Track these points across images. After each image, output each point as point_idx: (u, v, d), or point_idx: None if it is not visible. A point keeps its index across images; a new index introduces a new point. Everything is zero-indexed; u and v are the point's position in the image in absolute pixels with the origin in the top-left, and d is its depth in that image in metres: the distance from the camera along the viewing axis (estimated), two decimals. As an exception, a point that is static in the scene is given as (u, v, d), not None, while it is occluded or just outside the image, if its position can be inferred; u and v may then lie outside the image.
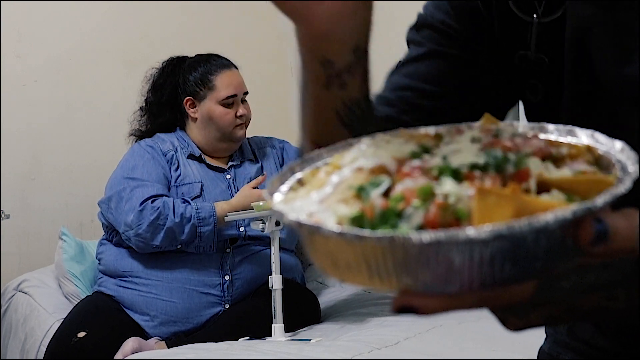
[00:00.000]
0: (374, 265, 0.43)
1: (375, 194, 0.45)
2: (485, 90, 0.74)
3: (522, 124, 0.53)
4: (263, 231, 2.13)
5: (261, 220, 2.14)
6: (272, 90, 3.86)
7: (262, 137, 2.75)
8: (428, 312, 0.45)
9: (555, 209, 0.42)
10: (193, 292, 2.28)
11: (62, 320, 2.32)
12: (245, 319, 2.21)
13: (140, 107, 2.62)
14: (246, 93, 2.57)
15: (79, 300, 2.46)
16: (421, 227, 0.43)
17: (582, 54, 0.67)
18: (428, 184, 0.44)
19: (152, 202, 2.27)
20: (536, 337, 1.73)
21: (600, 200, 0.43)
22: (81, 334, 2.15)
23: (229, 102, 2.49)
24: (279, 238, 2.24)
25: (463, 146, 0.48)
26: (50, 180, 2.99)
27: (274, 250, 2.13)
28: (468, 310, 0.46)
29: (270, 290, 2.12)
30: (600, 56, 0.65)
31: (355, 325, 2.08)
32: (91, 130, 3.07)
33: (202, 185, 2.39)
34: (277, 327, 2.04)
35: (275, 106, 3.89)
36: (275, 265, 2.11)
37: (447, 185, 0.44)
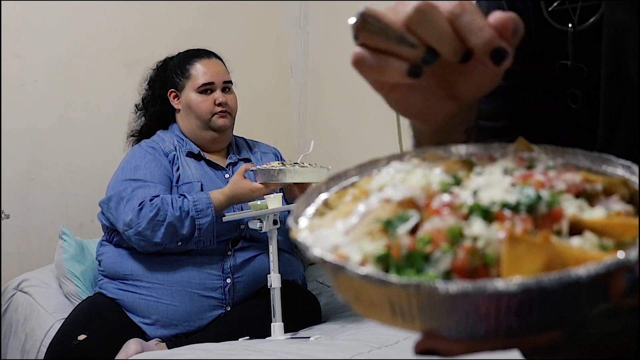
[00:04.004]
0: (398, 307, 0.43)
1: (403, 231, 0.44)
2: (534, 105, 0.74)
3: (553, 149, 0.52)
4: (261, 230, 2.13)
5: (259, 219, 2.14)
6: (272, 90, 3.86)
7: (253, 140, 2.77)
8: (451, 355, 0.44)
9: (587, 263, 0.41)
10: (194, 295, 2.28)
11: (63, 321, 2.31)
12: (246, 319, 2.21)
13: (136, 105, 2.66)
14: (228, 82, 2.57)
15: (79, 300, 2.46)
16: (448, 272, 0.42)
17: (619, 60, 0.66)
18: (457, 225, 0.43)
19: (151, 200, 2.27)
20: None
21: (634, 254, 0.41)
22: (82, 337, 2.14)
23: (205, 90, 2.51)
24: (279, 240, 2.24)
25: (495, 179, 0.47)
26: (50, 180, 2.99)
27: (272, 249, 2.13)
28: (493, 350, 0.45)
29: (270, 289, 2.12)
30: (634, 58, 0.65)
31: (354, 324, 2.08)
32: (91, 130, 3.07)
33: (201, 185, 2.39)
34: (277, 325, 2.04)
35: (276, 106, 3.90)
36: (273, 264, 2.11)
37: (477, 227, 0.43)
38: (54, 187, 2.99)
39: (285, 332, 2.04)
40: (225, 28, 3.63)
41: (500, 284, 0.40)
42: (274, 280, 2.08)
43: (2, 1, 2.91)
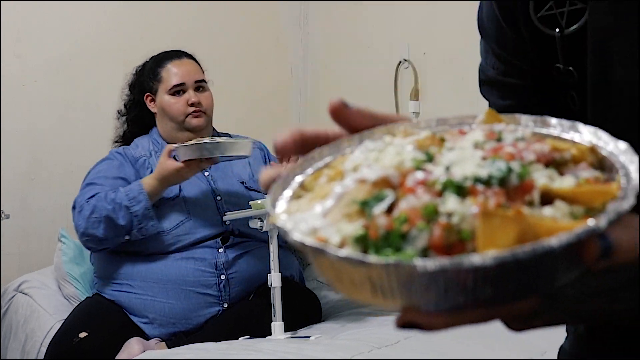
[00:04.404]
0: (379, 285, 0.44)
1: (379, 211, 0.45)
2: (541, 105, 0.76)
3: (525, 117, 0.53)
4: (261, 229, 2.13)
5: (259, 218, 2.13)
6: (272, 90, 3.86)
7: (237, 135, 2.72)
8: (432, 328, 0.45)
9: (559, 233, 0.42)
10: (190, 292, 2.28)
11: (63, 321, 2.31)
12: (246, 318, 2.20)
13: (118, 111, 2.66)
14: (201, 81, 2.55)
15: (79, 302, 2.46)
16: (425, 249, 0.43)
17: (604, 63, 0.67)
18: (431, 202, 0.45)
19: (87, 200, 2.30)
20: (537, 337, 1.74)
21: (604, 221, 0.43)
22: (82, 335, 2.14)
23: (177, 91, 2.50)
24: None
25: (466, 154, 0.48)
26: (50, 180, 2.99)
27: (273, 248, 2.13)
28: (472, 325, 0.46)
29: (270, 288, 2.12)
30: (620, 62, 0.66)
31: (355, 324, 2.08)
32: (91, 130, 3.07)
33: (179, 185, 2.38)
34: (277, 325, 2.04)
35: (276, 106, 3.90)
36: (274, 263, 2.10)
37: (451, 204, 0.44)
38: (54, 187, 2.99)
39: (285, 331, 2.04)
40: (225, 28, 3.63)
41: (476, 258, 0.41)
42: (274, 279, 2.08)
43: (2, 1, 2.91)
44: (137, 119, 2.60)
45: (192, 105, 2.48)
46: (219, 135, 2.64)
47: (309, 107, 3.96)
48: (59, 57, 3.06)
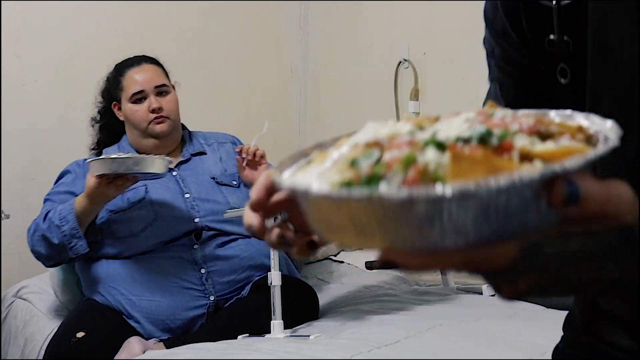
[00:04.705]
0: (359, 224, 0.46)
1: (365, 164, 0.48)
2: (528, 82, 0.79)
3: (524, 112, 0.54)
4: None
5: None
6: (272, 90, 3.86)
7: (210, 132, 2.71)
8: (409, 268, 0.47)
9: (522, 169, 0.45)
10: (173, 288, 2.27)
11: (62, 323, 2.32)
12: (242, 316, 2.19)
13: (93, 118, 2.64)
14: (161, 86, 2.49)
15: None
16: (400, 188, 0.45)
17: (604, 34, 0.68)
18: (411, 152, 0.47)
19: (38, 217, 2.31)
20: (537, 337, 1.73)
21: (569, 163, 0.45)
22: (80, 335, 2.14)
23: (138, 99, 2.47)
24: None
25: (454, 124, 0.50)
26: (50, 181, 2.98)
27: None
28: (453, 271, 0.47)
29: (269, 286, 2.11)
30: (619, 34, 0.67)
31: (355, 322, 2.07)
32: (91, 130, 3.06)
33: (146, 187, 2.37)
34: (276, 323, 2.03)
35: (276, 106, 3.90)
36: (274, 262, 2.09)
37: (429, 154, 0.46)
38: (54, 187, 2.98)
39: (285, 327, 2.04)
40: (225, 28, 3.63)
41: (439, 188, 0.43)
42: (275, 278, 2.07)
43: (2, 1, 2.91)
44: (108, 126, 2.59)
45: (153, 111, 2.45)
46: (190, 135, 2.64)
47: (309, 107, 3.96)
48: (59, 57, 3.06)
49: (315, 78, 3.91)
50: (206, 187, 2.46)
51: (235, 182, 2.49)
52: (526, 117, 0.51)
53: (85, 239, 2.26)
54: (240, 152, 2.40)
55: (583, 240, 0.49)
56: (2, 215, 2.63)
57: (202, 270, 2.31)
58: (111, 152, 2.45)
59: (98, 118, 2.62)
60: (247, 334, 2.07)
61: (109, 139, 2.59)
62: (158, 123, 2.46)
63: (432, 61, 3.20)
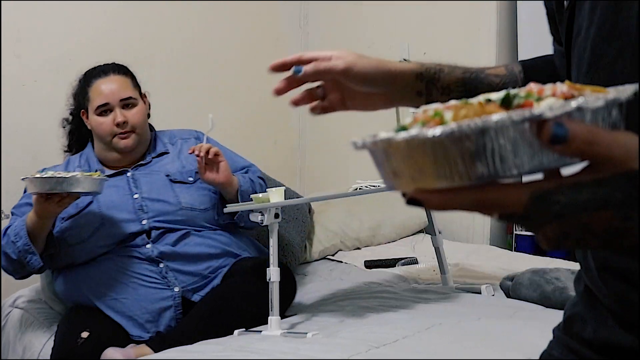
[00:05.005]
0: (398, 167, 0.55)
1: (419, 113, 0.56)
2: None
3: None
4: (262, 223, 2.11)
5: (260, 212, 2.11)
6: (272, 90, 3.85)
7: (178, 129, 2.66)
8: (430, 206, 0.53)
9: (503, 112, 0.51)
10: (135, 284, 2.26)
11: (59, 325, 2.32)
12: (221, 306, 2.17)
13: (65, 119, 2.60)
14: (127, 99, 2.43)
15: None
16: None
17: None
18: (439, 110, 0.55)
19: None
20: (537, 337, 1.73)
21: (544, 105, 0.50)
22: (85, 334, 2.14)
23: (104, 111, 2.42)
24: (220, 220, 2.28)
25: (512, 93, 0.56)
26: (50, 180, 2.99)
27: (272, 242, 2.11)
28: (471, 210, 0.53)
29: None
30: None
31: (353, 320, 2.07)
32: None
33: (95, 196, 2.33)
34: (274, 319, 2.02)
35: (276, 106, 3.89)
36: (273, 258, 2.08)
37: (465, 110, 0.53)
38: (53, 187, 2.98)
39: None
40: (225, 28, 3.63)
41: (430, 130, 0.51)
42: (273, 273, 2.07)
43: (2, 1, 2.91)
44: (77, 131, 2.56)
45: (118, 125, 2.40)
46: (155, 134, 2.58)
47: (308, 107, 3.96)
48: (59, 57, 3.06)
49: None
50: (158, 187, 2.42)
51: (191, 178, 2.45)
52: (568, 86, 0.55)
53: (37, 254, 2.22)
54: (194, 153, 2.32)
55: (594, 189, 0.51)
56: (2, 215, 2.62)
57: (161, 265, 2.30)
58: (59, 167, 2.47)
59: (70, 120, 2.58)
60: (244, 329, 2.06)
61: (77, 145, 2.57)
62: (123, 138, 2.42)
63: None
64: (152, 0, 3.34)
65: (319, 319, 2.15)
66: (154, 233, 2.34)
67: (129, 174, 2.45)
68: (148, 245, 2.32)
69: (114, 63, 2.51)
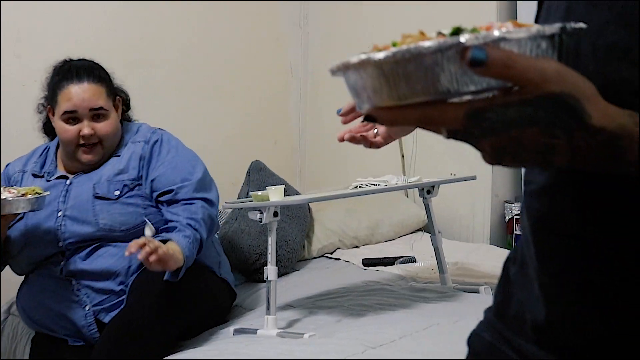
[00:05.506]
0: (358, 88, 0.62)
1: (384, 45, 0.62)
2: None
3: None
4: (261, 221, 2.10)
5: (259, 210, 2.11)
6: (272, 90, 3.86)
7: (145, 126, 2.40)
8: (382, 121, 0.61)
9: (434, 39, 0.57)
10: (55, 302, 2.21)
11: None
12: (132, 329, 2.02)
13: (40, 104, 2.41)
14: (99, 109, 2.23)
15: None
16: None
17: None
18: (396, 41, 0.61)
19: None
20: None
21: (467, 37, 0.57)
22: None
23: (71, 118, 2.22)
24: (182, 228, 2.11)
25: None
26: (50, 180, 3.00)
27: (271, 241, 2.10)
28: (416, 125, 0.60)
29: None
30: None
31: (351, 319, 2.07)
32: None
33: None
34: (270, 319, 2.02)
35: (276, 106, 3.90)
36: (271, 257, 2.08)
37: (410, 39, 0.60)
38: (53, 187, 2.99)
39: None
40: (225, 28, 3.63)
41: (371, 55, 0.59)
42: (271, 272, 2.07)
43: (2, 1, 2.92)
44: (46, 122, 2.39)
45: (83, 137, 2.22)
46: (123, 138, 2.35)
47: (308, 107, 3.96)
48: (58, 57, 3.06)
49: (315, 78, 3.92)
50: (81, 202, 2.24)
51: (117, 192, 2.23)
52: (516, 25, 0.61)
53: None
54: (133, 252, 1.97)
55: (520, 108, 0.57)
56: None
57: (73, 282, 2.21)
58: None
59: (42, 106, 2.38)
60: (239, 327, 2.07)
61: (53, 133, 2.38)
62: (86, 152, 2.24)
63: (431, 61, 3.20)
64: (152, 0, 3.34)
65: (316, 317, 2.15)
66: (67, 252, 2.22)
67: (68, 181, 2.29)
68: (62, 262, 2.22)
69: (91, 65, 2.31)
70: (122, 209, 2.21)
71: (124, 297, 2.19)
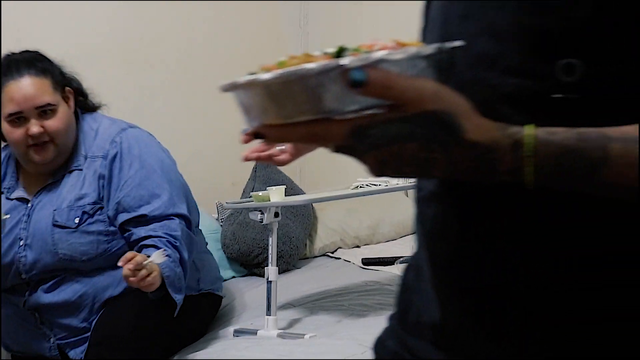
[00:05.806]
0: (249, 106, 0.65)
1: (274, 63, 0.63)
2: None
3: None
4: (261, 222, 2.09)
5: (259, 210, 2.10)
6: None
7: (103, 131, 2.18)
8: (269, 139, 0.63)
9: (317, 63, 0.59)
10: (22, 332, 2.18)
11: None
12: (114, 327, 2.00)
13: None
14: (45, 106, 2.04)
15: None
16: None
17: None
18: (283, 61, 0.62)
19: None
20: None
21: (347, 59, 0.59)
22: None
23: (16, 119, 2.04)
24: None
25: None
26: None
27: (272, 241, 2.10)
28: (304, 142, 0.63)
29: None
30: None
31: (351, 319, 2.07)
32: None
33: None
34: (271, 319, 2.02)
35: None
36: (272, 257, 2.08)
37: (296, 60, 0.61)
38: (54, 187, 2.98)
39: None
40: (225, 28, 3.63)
41: (259, 76, 0.61)
42: (271, 273, 2.06)
43: (2, 1, 2.91)
44: None
45: (32, 137, 2.03)
46: (78, 143, 2.15)
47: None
48: (58, 57, 3.06)
49: (315, 78, 3.91)
50: (40, 229, 2.09)
51: (77, 219, 2.06)
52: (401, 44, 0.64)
53: None
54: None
55: (400, 125, 0.60)
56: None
57: (36, 315, 2.13)
58: None
59: None
60: (239, 327, 2.06)
61: (3, 140, 2.17)
62: (38, 151, 2.05)
63: (431, 61, 3.20)
64: (152, 0, 3.34)
65: (317, 317, 2.15)
66: (31, 283, 2.12)
67: (29, 204, 2.13)
68: (27, 293, 2.13)
69: (33, 57, 2.15)
70: (82, 239, 2.06)
71: (87, 334, 2.09)
